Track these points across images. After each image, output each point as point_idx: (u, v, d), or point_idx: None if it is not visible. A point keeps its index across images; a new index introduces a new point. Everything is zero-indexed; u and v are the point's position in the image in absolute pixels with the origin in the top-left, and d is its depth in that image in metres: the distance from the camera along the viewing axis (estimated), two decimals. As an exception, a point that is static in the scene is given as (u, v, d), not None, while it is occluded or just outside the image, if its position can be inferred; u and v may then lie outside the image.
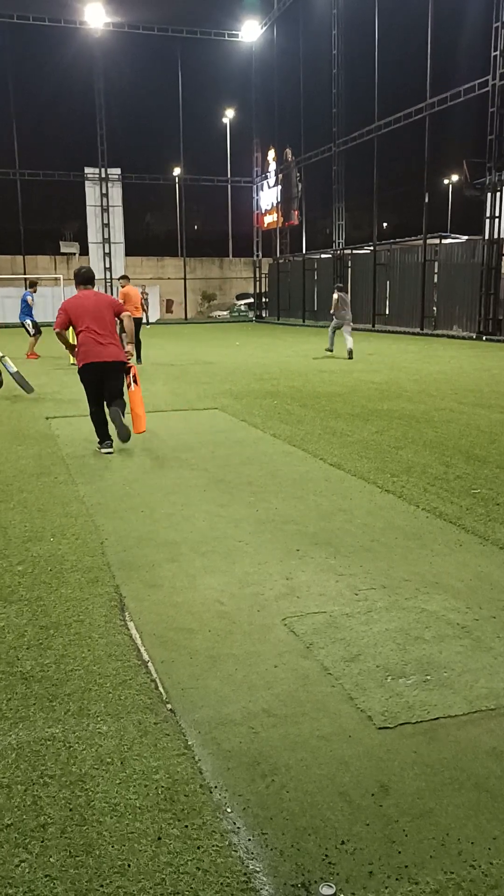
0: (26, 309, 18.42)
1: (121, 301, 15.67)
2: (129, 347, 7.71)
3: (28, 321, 18.43)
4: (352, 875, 2.01)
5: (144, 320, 18.95)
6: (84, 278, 7.57)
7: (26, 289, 18.82)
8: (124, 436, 7.24)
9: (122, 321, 7.48)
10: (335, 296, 18.37)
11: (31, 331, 18.48)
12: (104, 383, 7.28)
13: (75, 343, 7.37)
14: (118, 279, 17.35)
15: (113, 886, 1.98)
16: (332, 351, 18.36)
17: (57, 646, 3.31)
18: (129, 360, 7.50)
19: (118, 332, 7.45)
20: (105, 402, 7.35)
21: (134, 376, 7.56)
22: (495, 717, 2.73)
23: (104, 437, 7.37)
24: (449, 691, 2.90)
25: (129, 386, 7.54)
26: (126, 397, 7.47)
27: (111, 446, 7.31)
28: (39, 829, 2.19)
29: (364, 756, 2.52)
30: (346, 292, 20.56)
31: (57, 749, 2.57)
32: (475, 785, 2.37)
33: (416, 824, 2.20)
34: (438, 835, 2.16)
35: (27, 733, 2.66)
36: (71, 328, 7.32)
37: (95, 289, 7.55)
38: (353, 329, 19.28)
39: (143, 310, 19.00)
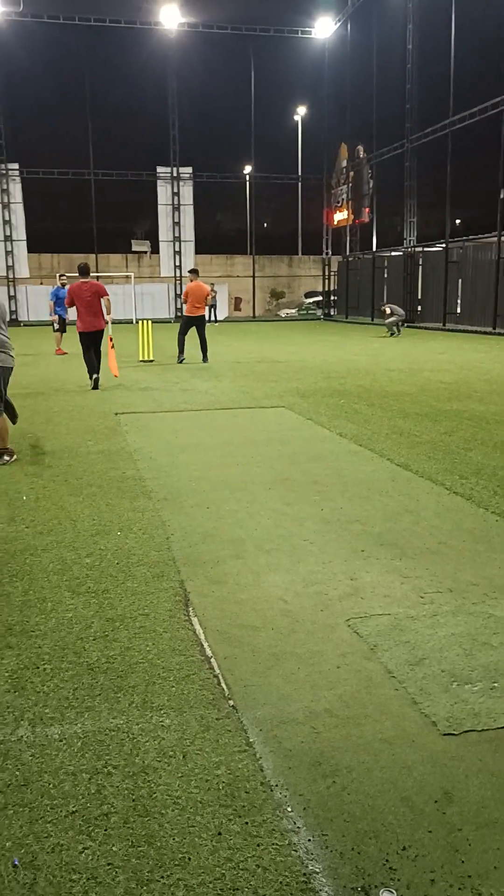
0: (59, 303, 18.82)
1: (182, 298, 16.23)
2: (109, 317, 12.24)
3: (56, 316, 19.03)
4: (413, 882, 1.99)
5: (213, 318, 18.91)
6: (83, 270, 12.10)
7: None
8: (91, 376, 11.93)
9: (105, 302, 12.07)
10: (384, 309, 26.07)
11: (57, 326, 19.07)
12: (90, 342, 11.99)
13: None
14: (188, 272, 17.05)
15: (173, 878, 2.00)
16: (393, 334, 25.17)
17: (122, 638, 3.36)
18: (106, 324, 12.28)
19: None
20: (93, 352, 12.06)
21: (111, 342, 13.15)
22: None
23: (92, 372, 11.91)
24: (517, 700, 2.82)
25: (111, 346, 13.28)
26: (106, 353, 12.77)
27: (96, 379, 11.90)
28: (103, 818, 2.23)
29: (427, 762, 2.48)
30: (397, 304, 27.48)
31: (121, 740, 2.61)
32: (543, 797, 2.30)
33: (481, 833, 2.16)
34: (504, 846, 2.11)
35: (92, 723, 2.72)
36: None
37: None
38: (424, 328, 20.42)
39: (210, 305, 18.91)
